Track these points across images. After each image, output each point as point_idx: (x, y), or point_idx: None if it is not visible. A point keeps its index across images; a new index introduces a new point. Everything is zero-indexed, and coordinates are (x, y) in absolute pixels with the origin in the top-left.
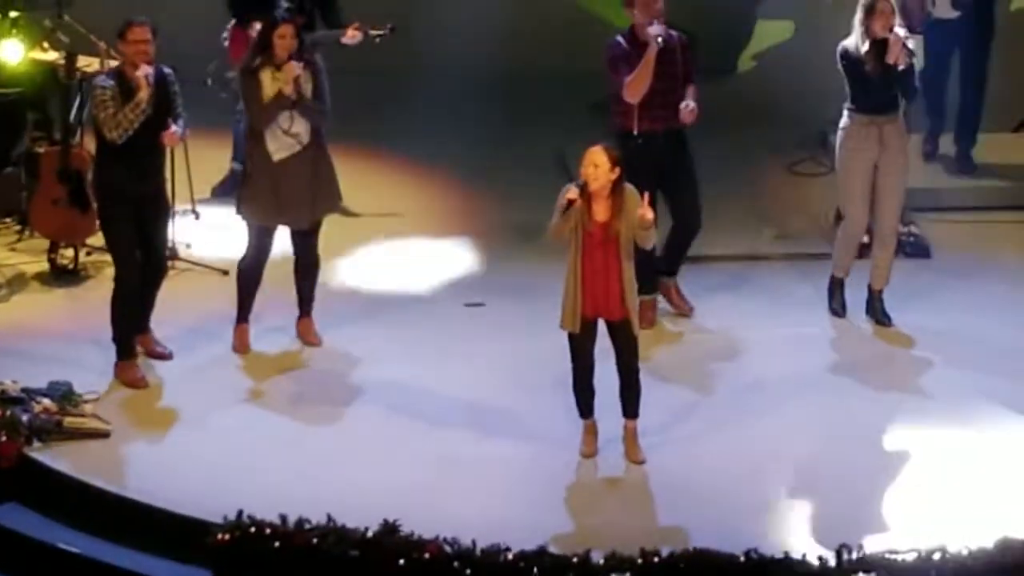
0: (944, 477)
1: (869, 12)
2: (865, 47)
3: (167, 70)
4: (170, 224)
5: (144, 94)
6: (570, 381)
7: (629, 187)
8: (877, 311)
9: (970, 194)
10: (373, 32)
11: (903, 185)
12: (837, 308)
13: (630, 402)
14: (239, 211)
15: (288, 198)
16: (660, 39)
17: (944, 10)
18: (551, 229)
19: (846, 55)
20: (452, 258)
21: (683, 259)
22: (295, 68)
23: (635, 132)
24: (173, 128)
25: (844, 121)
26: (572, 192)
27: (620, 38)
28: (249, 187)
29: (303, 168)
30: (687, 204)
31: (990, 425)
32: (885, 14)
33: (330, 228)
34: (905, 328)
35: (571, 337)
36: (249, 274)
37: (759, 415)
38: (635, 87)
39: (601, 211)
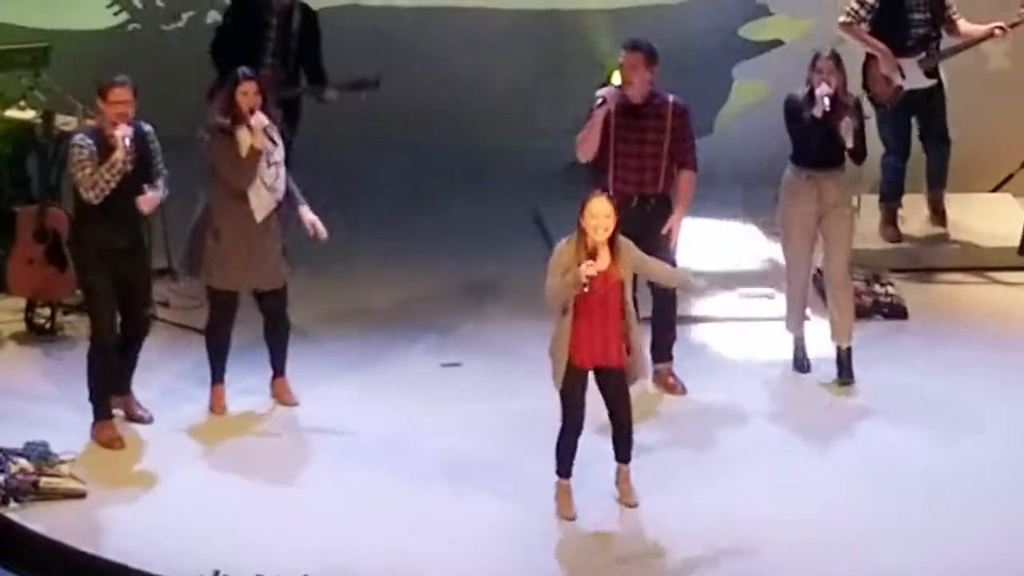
0: (916, 532)
1: (811, 65)
2: (802, 94)
3: (147, 128)
4: (152, 282)
5: (120, 155)
6: (547, 441)
7: (621, 237)
8: (841, 369)
9: (948, 255)
10: (358, 87)
11: (848, 235)
12: (798, 366)
13: (623, 448)
14: (205, 276)
15: (259, 260)
16: (599, 101)
17: (917, 80)
18: (553, 290)
19: (790, 102)
20: (427, 318)
21: (671, 339)
22: (261, 119)
23: (610, 192)
24: (150, 193)
25: (786, 173)
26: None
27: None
28: (219, 250)
29: (271, 227)
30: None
31: (962, 484)
32: (821, 73)
33: (303, 287)
34: (877, 388)
35: (563, 391)
36: (218, 338)
37: (730, 477)
38: (581, 145)
39: (601, 260)
